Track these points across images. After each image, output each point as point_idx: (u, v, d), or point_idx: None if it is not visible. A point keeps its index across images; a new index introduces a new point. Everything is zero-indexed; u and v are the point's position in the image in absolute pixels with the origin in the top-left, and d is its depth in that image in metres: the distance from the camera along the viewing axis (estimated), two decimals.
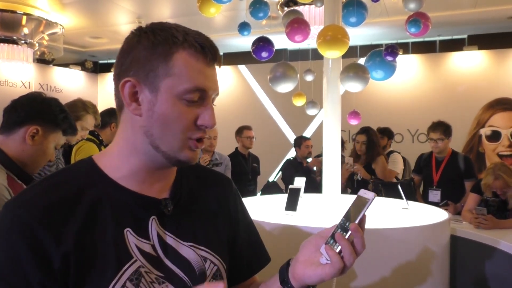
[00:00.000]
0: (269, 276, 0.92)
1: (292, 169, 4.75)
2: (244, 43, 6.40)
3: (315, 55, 4.80)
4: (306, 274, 0.78)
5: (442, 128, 3.68)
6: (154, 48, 0.77)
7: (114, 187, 0.80)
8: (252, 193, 4.60)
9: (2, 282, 0.69)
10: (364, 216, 0.75)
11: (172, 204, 0.84)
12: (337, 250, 0.74)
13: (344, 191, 3.84)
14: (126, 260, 0.76)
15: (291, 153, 5.17)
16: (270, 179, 5.26)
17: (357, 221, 0.74)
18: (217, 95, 0.84)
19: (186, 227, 0.85)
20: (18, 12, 5.35)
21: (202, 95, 0.79)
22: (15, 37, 5.54)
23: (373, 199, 0.73)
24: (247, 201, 2.86)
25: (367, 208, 0.74)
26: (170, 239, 0.82)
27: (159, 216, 0.82)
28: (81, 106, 2.89)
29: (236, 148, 4.74)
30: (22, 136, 1.46)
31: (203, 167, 1.02)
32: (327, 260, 0.75)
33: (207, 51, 0.79)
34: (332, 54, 2.55)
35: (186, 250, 0.83)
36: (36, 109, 1.50)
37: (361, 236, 0.74)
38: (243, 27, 3.20)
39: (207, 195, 0.94)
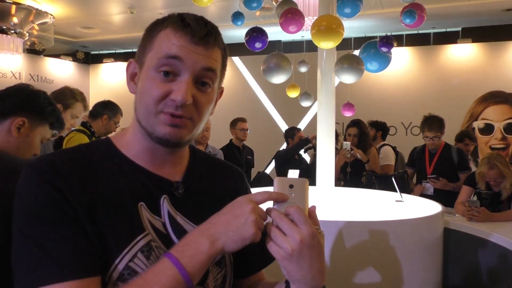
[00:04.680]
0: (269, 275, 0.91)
1: (283, 158, 4.71)
2: (238, 34, 6.34)
3: (309, 46, 4.77)
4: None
5: (437, 125, 3.68)
6: (149, 31, 0.83)
7: (129, 163, 0.83)
8: None
9: (48, 223, 0.71)
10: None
11: (183, 187, 0.86)
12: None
13: (336, 183, 3.83)
14: (139, 232, 0.77)
15: (285, 146, 5.13)
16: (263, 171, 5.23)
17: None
18: (208, 74, 0.80)
19: (195, 211, 0.86)
20: (7, 1, 5.26)
21: (177, 68, 0.77)
22: (4, 27, 5.43)
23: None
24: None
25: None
26: (180, 219, 0.84)
27: (170, 196, 0.84)
28: (70, 94, 2.86)
29: (231, 140, 4.72)
30: (7, 127, 1.42)
31: (217, 159, 1.04)
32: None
33: (189, 27, 0.77)
34: (327, 45, 2.53)
35: None
36: (23, 101, 1.46)
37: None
38: (237, 17, 3.16)
39: (218, 183, 0.95)
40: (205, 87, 0.81)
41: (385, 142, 4.64)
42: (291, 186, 0.74)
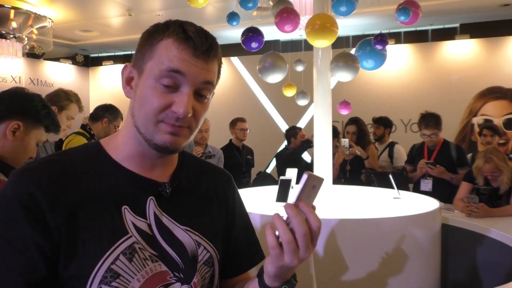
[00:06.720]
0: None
1: (287, 159, 4.72)
2: (236, 34, 6.33)
3: (306, 45, 4.75)
4: (267, 261, 0.76)
5: (433, 123, 3.67)
6: (148, 38, 0.82)
7: (116, 167, 0.84)
8: (246, 185, 4.58)
9: (0, 240, 0.72)
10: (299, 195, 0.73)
11: (170, 187, 0.87)
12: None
13: (336, 181, 3.83)
14: (121, 235, 0.78)
15: (285, 145, 5.13)
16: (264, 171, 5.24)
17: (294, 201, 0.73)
18: (207, 87, 0.82)
19: (183, 211, 0.88)
20: (5, 6, 5.28)
21: (178, 81, 0.79)
22: (3, 32, 5.46)
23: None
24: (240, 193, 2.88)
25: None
26: (166, 220, 0.84)
27: (157, 198, 0.85)
28: (64, 96, 2.88)
29: (230, 140, 4.73)
30: (2, 131, 1.43)
31: (205, 161, 1.05)
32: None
33: (191, 41, 0.79)
34: (321, 43, 2.53)
35: (181, 233, 0.85)
36: (18, 104, 1.47)
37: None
38: (232, 17, 3.17)
39: (206, 186, 0.96)
40: (202, 98, 0.83)
41: (394, 140, 4.57)
42: (314, 187, 0.73)
